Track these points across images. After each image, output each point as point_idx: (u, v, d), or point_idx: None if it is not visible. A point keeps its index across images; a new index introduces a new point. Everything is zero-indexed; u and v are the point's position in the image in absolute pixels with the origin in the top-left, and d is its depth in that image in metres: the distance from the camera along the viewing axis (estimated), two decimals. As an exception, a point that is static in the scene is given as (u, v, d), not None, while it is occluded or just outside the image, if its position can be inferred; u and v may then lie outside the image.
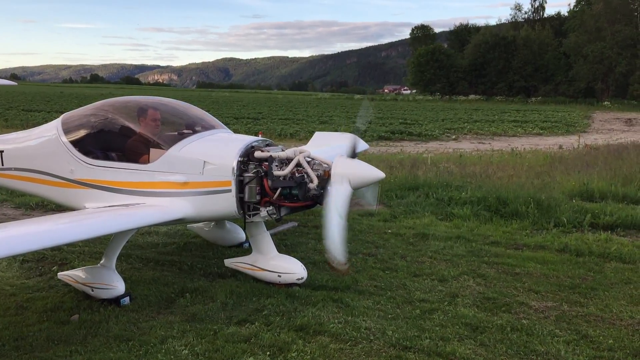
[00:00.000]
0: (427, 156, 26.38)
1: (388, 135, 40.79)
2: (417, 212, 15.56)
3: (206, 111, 10.74)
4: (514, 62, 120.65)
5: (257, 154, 9.08)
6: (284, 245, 12.22)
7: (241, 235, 12.20)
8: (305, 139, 33.05)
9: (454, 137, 42.21)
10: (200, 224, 12.26)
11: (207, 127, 10.07)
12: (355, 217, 14.57)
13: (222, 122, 10.66)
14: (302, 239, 12.81)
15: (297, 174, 8.91)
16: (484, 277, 10.84)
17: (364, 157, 18.26)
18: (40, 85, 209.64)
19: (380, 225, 14.24)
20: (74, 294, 9.70)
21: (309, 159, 9.02)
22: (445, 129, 46.70)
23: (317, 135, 13.66)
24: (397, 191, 17.65)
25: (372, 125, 42.78)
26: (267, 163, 9.02)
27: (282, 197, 8.89)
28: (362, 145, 13.15)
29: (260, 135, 10.72)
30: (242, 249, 12.06)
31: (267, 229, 10.28)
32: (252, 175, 8.97)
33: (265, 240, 10.10)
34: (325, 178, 8.72)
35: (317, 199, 8.87)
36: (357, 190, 8.72)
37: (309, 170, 8.77)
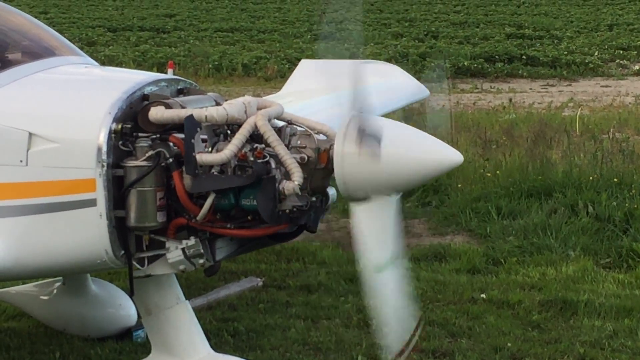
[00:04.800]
0: (574, 115, 17.94)
1: (478, 67, 26.73)
2: (551, 250, 10.45)
3: (36, 17, 8.03)
4: None
5: (157, 112, 5.94)
6: (228, 333, 8.29)
7: (126, 310, 8.58)
8: (280, 79, 23.72)
9: (637, 67, 27.94)
10: (27, 287, 8.87)
11: (37, 53, 7.17)
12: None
13: (78, 45, 8.58)
14: (275, 318, 8.77)
15: (252, 159, 5.85)
16: None
17: (418, 119, 13.07)
18: None
19: (461, 281, 9.59)
20: None
21: (281, 124, 6.01)
22: (616, 48, 31.23)
23: (305, 67, 10.29)
24: (501, 200, 11.98)
25: (440, 41, 30.92)
26: (180, 136, 5.96)
27: (217, 216, 5.93)
28: (414, 90, 9.95)
29: (170, 71, 9.22)
30: (131, 343, 8.45)
31: (189, 297, 7.46)
32: (144, 164, 5.94)
33: (181, 323, 6.92)
34: (319, 168, 5.75)
35: (303, 218, 5.89)
36: None
37: (281, 149, 5.77)
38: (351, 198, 5.61)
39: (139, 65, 26.27)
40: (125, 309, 8.56)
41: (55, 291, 8.68)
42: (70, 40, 7.89)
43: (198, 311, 7.94)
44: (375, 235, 5.76)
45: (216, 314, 8.36)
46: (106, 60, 24.87)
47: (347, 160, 5.45)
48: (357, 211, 5.76)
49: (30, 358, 7.65)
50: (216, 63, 27.83)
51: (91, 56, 7.58)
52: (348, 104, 5.66)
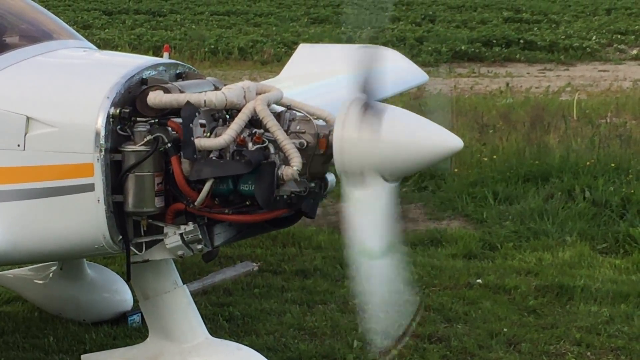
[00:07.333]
0: (571, 100, 17.66)
1: (475, 51, 26.27)
2: (547, 235, 10.39)
3: (33, 0, 7.66)
4: None
5: (156, 96, 5.77)
6: (223, 318, 8.24)
7: (122, 295, 8.51)
8: (277, 63, 24.12)
9: (635, 52, 27.56)
10: (22, 270, 8.67)
11: (35, 36, 6.96)
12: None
13: (73, 28, 7.85)
14: (271, 302, 8.66)
15: (251, 144, 5.73)
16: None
17: (414, 103, 12.77)
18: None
19: (457, 266, 9.49)
20: None
21: (280, 109, 5.86)
22: (614, 32, 30.79)
23: (303, 51, 10.24)
24: (498, 185, 11.88)
25: (437, 24, 30.75)
26: (178, 120, 5.78)
27: (215, 201, 5.78)
28: (413, 75, 9.97)
29: (166, 54, 8.54)
30: (127, 327, 8.32)
31: (184, 281, 7.16)
32: (142, 149, 5.79)
33: (179, 307, 6.84)
34: (318, 154, 5.64)
35: (301, 204, 5.75)
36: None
37: (280, 134, 5.63)
38: (350, 184, 5.52)
39: (134, 48, 25.70)
40: (121, 294, 8.44)
41: (51, 275, 8.51)
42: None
43: (193, 296, 7.68)
44: (369, 222, 5.62)
45: (211, 298, 8.22)
46: (101, 44, 24.30)
47: (347, 145, 5.35)
48: (352, 197, 5.64)
49: (25, 342, 7.56)
50: (212, 46, 27.44)
51: (86, 39, 7.53)
52: (353, 87, 5.50)
